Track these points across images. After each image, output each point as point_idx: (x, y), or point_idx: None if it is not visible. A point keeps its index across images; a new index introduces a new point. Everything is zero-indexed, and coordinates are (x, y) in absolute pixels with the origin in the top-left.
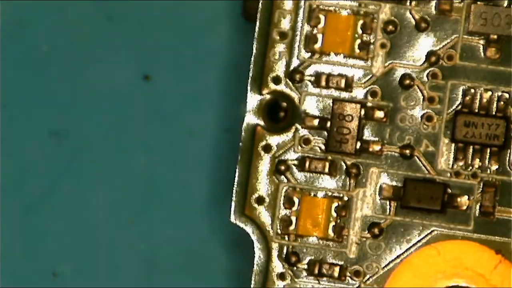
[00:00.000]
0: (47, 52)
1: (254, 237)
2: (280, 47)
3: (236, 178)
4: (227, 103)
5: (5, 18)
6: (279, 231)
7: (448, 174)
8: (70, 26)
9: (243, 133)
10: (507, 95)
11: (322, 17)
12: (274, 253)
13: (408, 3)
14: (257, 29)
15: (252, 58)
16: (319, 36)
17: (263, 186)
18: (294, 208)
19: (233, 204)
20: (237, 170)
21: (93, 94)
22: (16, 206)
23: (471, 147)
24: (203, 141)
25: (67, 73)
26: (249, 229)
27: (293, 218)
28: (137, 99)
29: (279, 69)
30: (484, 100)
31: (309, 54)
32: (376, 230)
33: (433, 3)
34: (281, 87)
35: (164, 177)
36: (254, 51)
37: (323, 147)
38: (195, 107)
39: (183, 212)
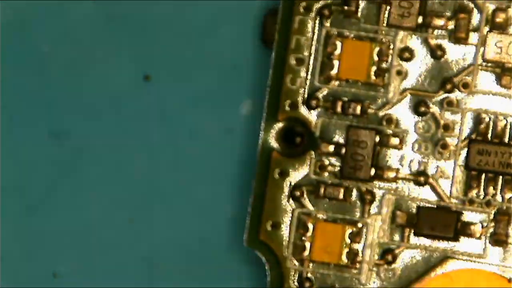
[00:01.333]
0: (47, 52)
1: (267, 262)
2: (297, 73)
3: (251, 203)
4: (227, 103)
5: (5, 19)
6: (293, 256)
7: (462, 202)
8: (70, 26)
9: (258, 158)
10: None
11: (338, 44)
12: (288, 279)
13: (424, 31)
14: (274, 54)
15: (269, 84)
16: (336, 63)
17: (277, 211)
18: (308, 234)
19: (247, 228)
20: (251, 194)
21: (93, 94)
22: (16, 206)
23: (485, 175)
24: (204, 141)
25: (67, 74)
26: (263, 254)
27: (307, 244)
28: (137, 99)
29: (296, 95)
30: (499, 128)
31: (326, 80)
32: (389, 257)
33: (449, 31)
34: (297, 113)
35: (164, 177)
36: (271, 76)
37: (338, 173)
38: (195, 107)
39: (183, 212)
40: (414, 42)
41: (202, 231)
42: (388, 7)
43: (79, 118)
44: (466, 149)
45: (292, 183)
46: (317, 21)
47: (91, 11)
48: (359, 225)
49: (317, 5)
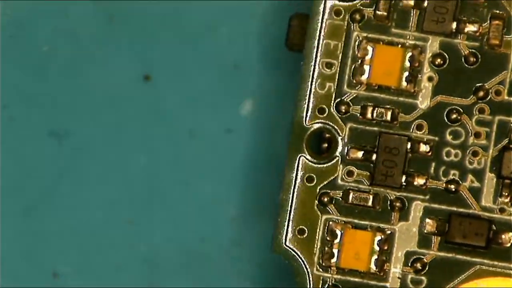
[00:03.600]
0: (47, 52)
1: (295, 269)
2: (327, 78)
3: (280, 208)
4: (227, 103)
5: (5, 18)
6: (320, 263)
7: (493, 211)
8: (70, 26)
9: (286, 164)
10: None
11: (370, 49)
12: (315, 286)
13: (457, 37)
14: (304, 59)
15: (299, 88)
16: (366, 68)
17: (305, 218)
18: (336, 241)
19: (275, 234)
20: (280, 200)
21: (93, 94)
22: (16, 206)
23: None
24: (204, 141)
25: (67, 73)
26: (290, 261)
27: (335, 251)
28: (137, 99)
29: (325, 100)
30: None
31: (356, 85)
32: (418, 265)
33: (482, 37)
34: (327, 118)
35: (164, 177)
36: (301, 81)
37: (366, 179)
38: (195, 107)
39: (183, 212)
40: (447, 48)
41: (202, 231)
42: (421, 12)
43: (79, 118)
44: (498, 157)
45: (321, 189)
46: (348, 26)
47: (91, 11)
48: (388, 232)
49: (348, 10)
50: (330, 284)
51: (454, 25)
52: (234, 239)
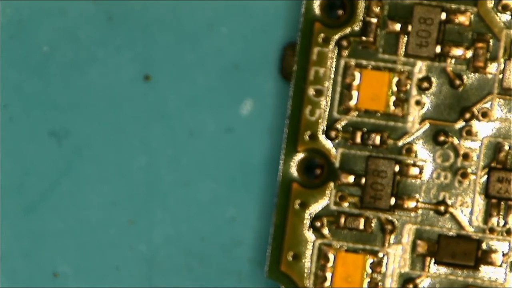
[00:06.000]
0: (47, 52)
1: None
2: (316, 104)
3: (272, 234)
4: (227, 103)
5: (5, 18)
6: (314, 287)
7: (482, 231)
8: (70, 26)
9: (278, 189)
10: None
11: (357, 74)
12: None
13: (442, 60)
14: (292, 86)
15: (288, 115)
16: (355, 93)
17: (298, 242)
18: (329, 264)
19: (268, 260)
20: (272, 226)
21: (93, 94)
22: (16, 206)
23: (505, 203)
24: (203, 141)
25: (67, 73)
26: (284, 285)
27: (328, 274)
28: (137, 99)
29: (315, 126)
30: None
31: (345, 111)
32: (411, 286)
33: (467, 60)
34: (317, 143)
35: (164, 177)
36: (290, 108)
37: (358, 203)
38: (195, 107)
39: (183, 212)
40: (433, 72)
41: (202, 231)
42: (406, 37)
43: (79, 118)
44: (486, 178)
45: (313, 214)
46: (335, 52)
47: (91, 11)
48: (380, 254)
49: (335, 36)
50: None
51: (438, 48)
52: (234, 239)
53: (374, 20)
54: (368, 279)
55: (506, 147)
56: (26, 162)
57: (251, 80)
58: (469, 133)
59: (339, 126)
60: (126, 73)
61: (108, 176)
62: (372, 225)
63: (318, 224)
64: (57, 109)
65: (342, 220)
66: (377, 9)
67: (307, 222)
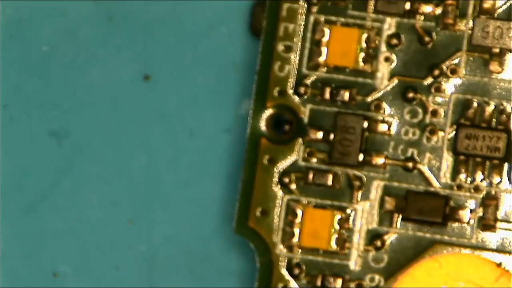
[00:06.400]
0: (47, 52)
1: (257, 249)
2: (285, 60)
3: (240, 190)
4: (227, 103)
5: (5, 18)
6: (282, 243)
7: (450, 187)
8: (70, 26)
9: (247, 145)
10: (508, 109)
11: (327, 30)
12: (277, 265)
13: (412, 17)
14: (262, 42)
15: (257, 71)
16: (324, 50)
17: (266, 198)
18: (297, 220)
19: (236, 215)
20: (240, 181)
21: (93, 94)
22: (16, 206)
23: (473, 160)
24: (203, 141)
25: (67, 73)
26: (252, 241)
27: (296, 230)
28: (137, 99)
29: (284, 82)
30: (486, 114)
31: (314, 67)
32: (378, 243)
33: (437, 17)
34: (286, 99)
35: (164, 177)
36: (259, 64)
37: (326, 159)
38: (195, 107)
39: (183, 212)
40: (402, 29)
41: (202, 231)
42: None
43: (79, 118)
44: (454, 134)
45: (281, 170)
46: (305, 8)
47: (91, 11)
48: (348, 211)
49: None
50: (292, 263)
51: (407, 5)
52: (234, 239)
53: None
54: (336, 235)
55: (475, 104)
56: (26, 162)
57: (251, 79)
58: (438, 89)
59: (308, 82)
60: (126, 73)
61: (108, 176)
62: (340, 181)
63: (286, 180)
64: (57, 109)
65: (311, 176)
66: None
67: (275, 178)
